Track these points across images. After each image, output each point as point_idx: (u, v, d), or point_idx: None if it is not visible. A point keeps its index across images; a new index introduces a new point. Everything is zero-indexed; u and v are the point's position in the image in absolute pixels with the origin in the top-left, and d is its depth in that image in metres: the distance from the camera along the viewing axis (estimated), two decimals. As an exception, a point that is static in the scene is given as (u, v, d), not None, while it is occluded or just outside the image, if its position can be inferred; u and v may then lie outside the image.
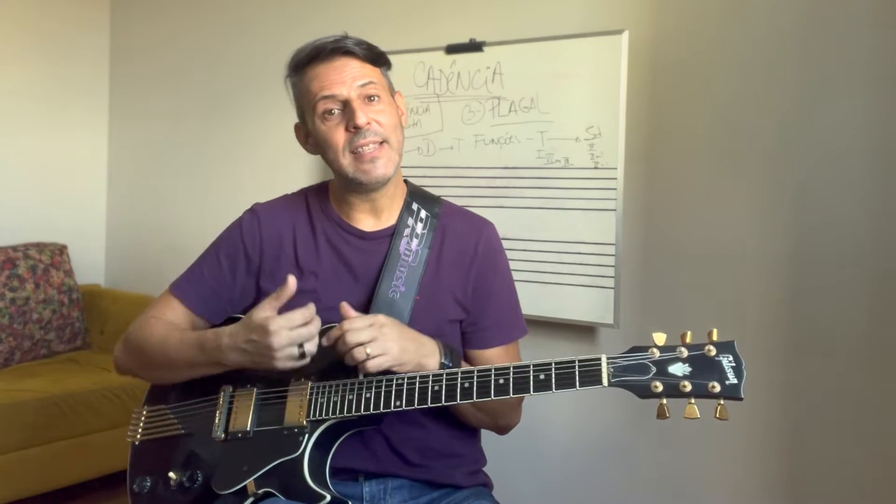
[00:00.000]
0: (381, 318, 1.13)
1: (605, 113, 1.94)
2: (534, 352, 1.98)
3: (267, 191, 1.50)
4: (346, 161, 1.21)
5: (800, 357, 1.79)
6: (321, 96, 1.21)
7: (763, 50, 1.82)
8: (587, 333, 2.06)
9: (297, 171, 2.63)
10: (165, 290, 1.34)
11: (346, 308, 1.14)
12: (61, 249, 3.00)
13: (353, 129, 1.19)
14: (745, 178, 1.85)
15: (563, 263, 2.03)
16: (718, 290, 1.88)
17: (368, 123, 1.20)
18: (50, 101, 3.18)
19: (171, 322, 1.30)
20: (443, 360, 1.16)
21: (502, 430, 1.34)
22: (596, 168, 1.97)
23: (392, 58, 1.30)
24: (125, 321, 2.95)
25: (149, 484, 1.27)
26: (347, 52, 1.21)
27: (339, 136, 1.21)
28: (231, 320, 1.29)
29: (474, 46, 2.16)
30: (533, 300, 2.06)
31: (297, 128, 1.32)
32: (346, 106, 1.20)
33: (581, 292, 2.00)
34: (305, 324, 1.10)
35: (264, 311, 1.10)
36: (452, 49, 2.19)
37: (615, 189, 1.94)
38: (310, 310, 1.11)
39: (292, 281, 1.12)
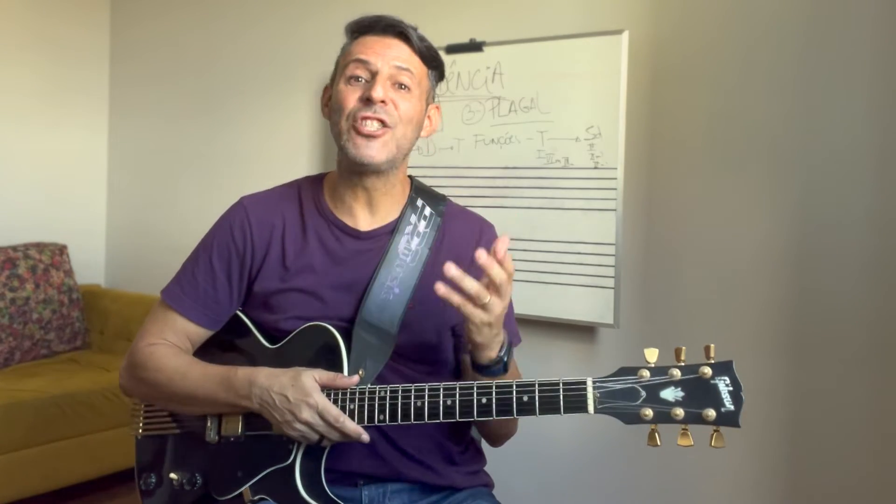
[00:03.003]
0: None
1: (605, 113, 1.94)
2: (534, 352, 1.99)
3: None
4: (345, 126, 1.17)
5: (803, 359, 1.78)
6: (355, 58, 1.18)
7: (764, 49, 1.82)
8: (587, 333, 2.06)
9: (298, 170, 2.62)
10: (160, 302, 1.27)
11: (504, 240, 1.06)
12: (61, 249, 3.00)
13: (366, 101, 1.16)
14: (746, 178, 1.85)
15: (563, 263, 2.03)
16: (719, 291, 1.88)
17: (383, 102, 1.15)
18: (50, 100, 3.18)
19: (180, 348, 1.25)
20: (500, 353, 1.11)
21: (504, 436, 1.32)
22: (596, 168, 1.97)
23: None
24: (125, 321, 2.96)
25: (153, 482, 1.28)
26: (404, 36, 1.19)
27: (351, 102, 1.17)
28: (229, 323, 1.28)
29: (474, 46, 2.16)
30: (533, 300, 2.06)
31: (325, 89, 1.28)
32: (373, 78, 1.16)
33: (581, 292, 2.00)
34: (337, 429, 1.08)
35: (314, 380, 1.09)
36: (452, 49, 2.19)
37: (615, 189, 1.94)
38: (352, 427, 1.09)
39: (355, 380, 1.12)
